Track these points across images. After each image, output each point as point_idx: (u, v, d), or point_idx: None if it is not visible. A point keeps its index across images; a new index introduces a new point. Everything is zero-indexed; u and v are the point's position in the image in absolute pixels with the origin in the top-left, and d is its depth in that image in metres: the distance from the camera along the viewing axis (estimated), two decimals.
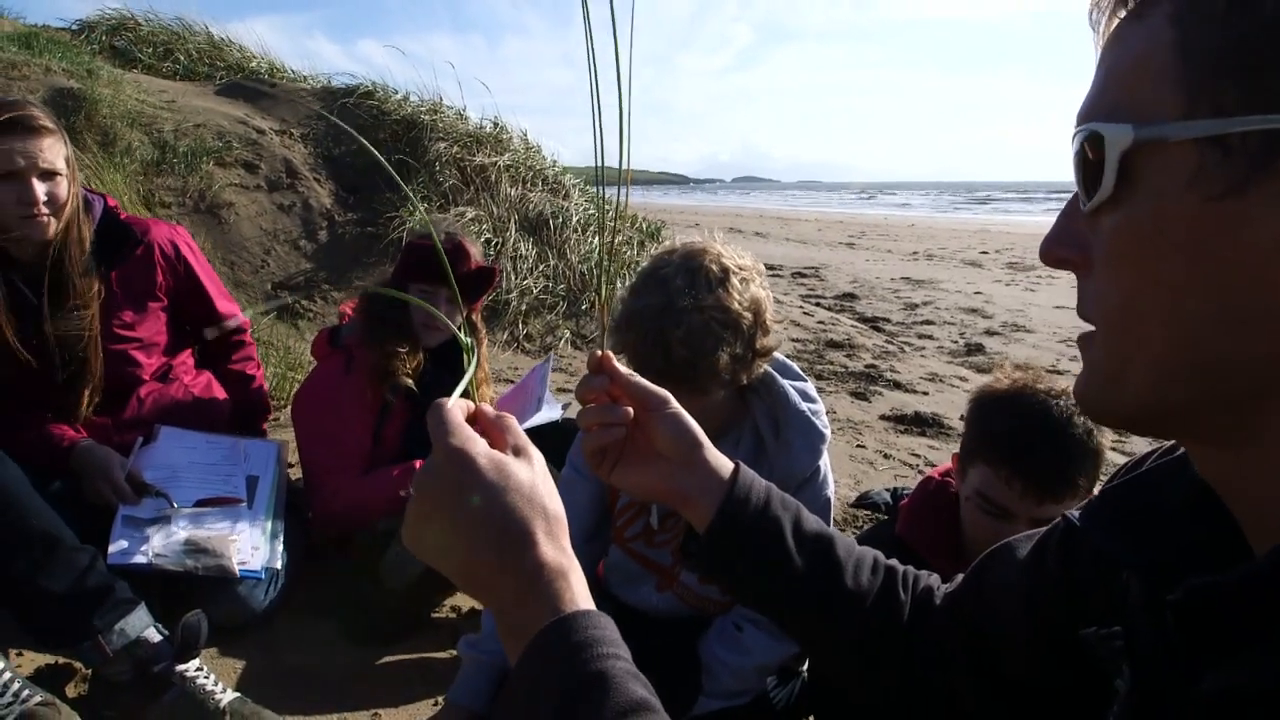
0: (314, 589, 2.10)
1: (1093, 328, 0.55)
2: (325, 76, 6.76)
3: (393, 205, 5.32)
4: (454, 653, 2.09)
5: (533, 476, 0.65)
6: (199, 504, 1.93)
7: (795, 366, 1.67)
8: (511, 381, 4.29)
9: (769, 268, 10.37)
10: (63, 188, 1.89)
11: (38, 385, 1.91)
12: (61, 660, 1.66)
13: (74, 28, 7.05)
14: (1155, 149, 0.48)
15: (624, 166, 0.81)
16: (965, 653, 0.87)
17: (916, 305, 8.25)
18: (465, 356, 0.76)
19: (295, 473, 2.39)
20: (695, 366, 1.37)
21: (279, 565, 1.94)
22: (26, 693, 1.42)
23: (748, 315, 1.41)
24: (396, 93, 6.17)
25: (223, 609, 1.81)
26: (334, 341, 2.18)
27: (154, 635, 1.60)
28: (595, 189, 6.92)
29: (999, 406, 1.46)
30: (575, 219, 5.84)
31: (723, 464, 0.90)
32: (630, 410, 0.88)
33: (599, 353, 0.88)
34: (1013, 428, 1.41)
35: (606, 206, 0.86)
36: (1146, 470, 0.68)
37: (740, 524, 0.88)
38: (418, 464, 2.12)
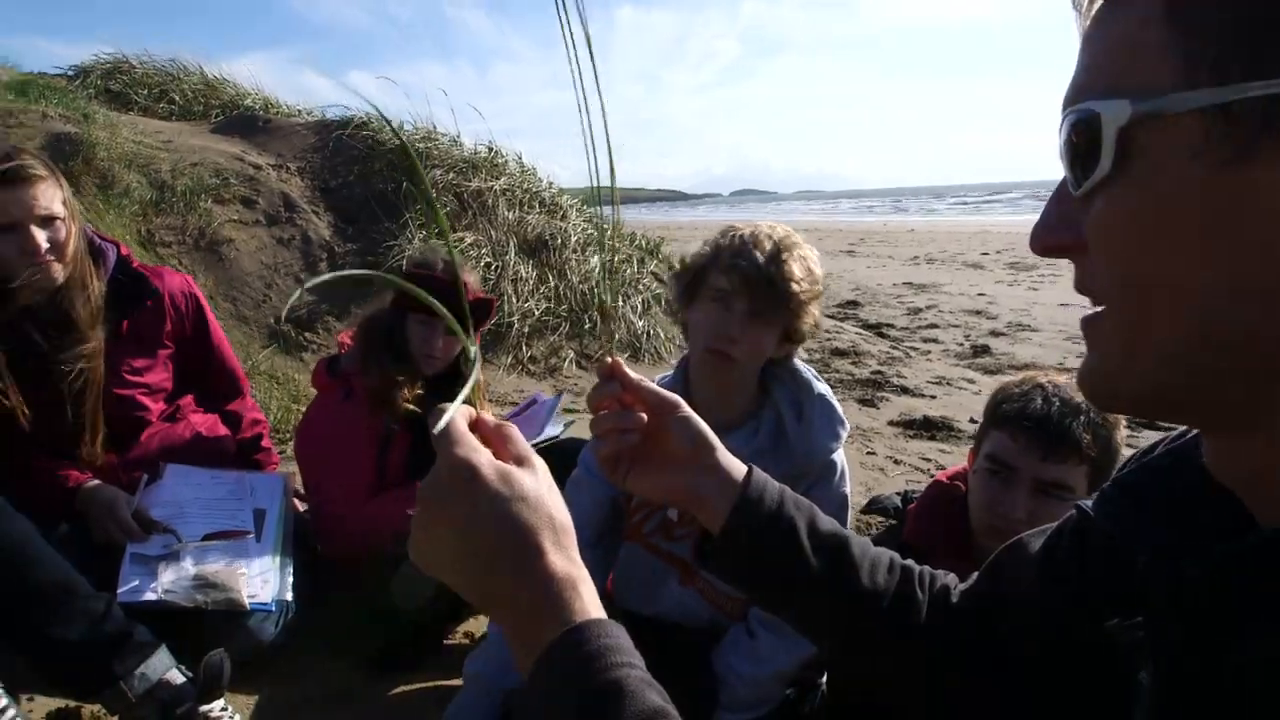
0: (324, 620, 2.09)
1: (1095, 309, 0.54)
2: (320, 110, 6.82)
3: (390, 235, 5.34)
4: None
5: (539, 486, 0.64)
6: (206, 538, 1.93)
7: (802, 355, 1.73)
8: (515, 404, 4.29)
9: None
10: (62, 231, 1.90)
11: (45, 429, 1.91)
12: (71, 704, 1.65)
13: (69, 74, 7.14)
14: (1155, 122, 0.47)
15: (613, 185, 0.81)
16: (984, 651, 0.86)
17: (920, 310, 8.24)
18: (464, 362, 0.75)
19: (301, 504, 2.38)
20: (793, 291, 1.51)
21: (289, 597, 1.94)
22: None
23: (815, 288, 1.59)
24: (391, 122, 6.21)
25: (233, 643, 1.80)
26: (333, 371, 2.18)
27: (177, 677, 1.59)
28: (592, 209, 6.95)
29: (1010, 386, 1.54)
30: (574, 239, 5.86)
31: (736, 466, 0.90)
32: (644, 415, 0.88)
33: (609, 359, 0.89)
34: (1020, 393, 1.49)
35: (604, 225, 0.86)
36: (1158, 455, 0.68)
37: (754, 525, 0.88)
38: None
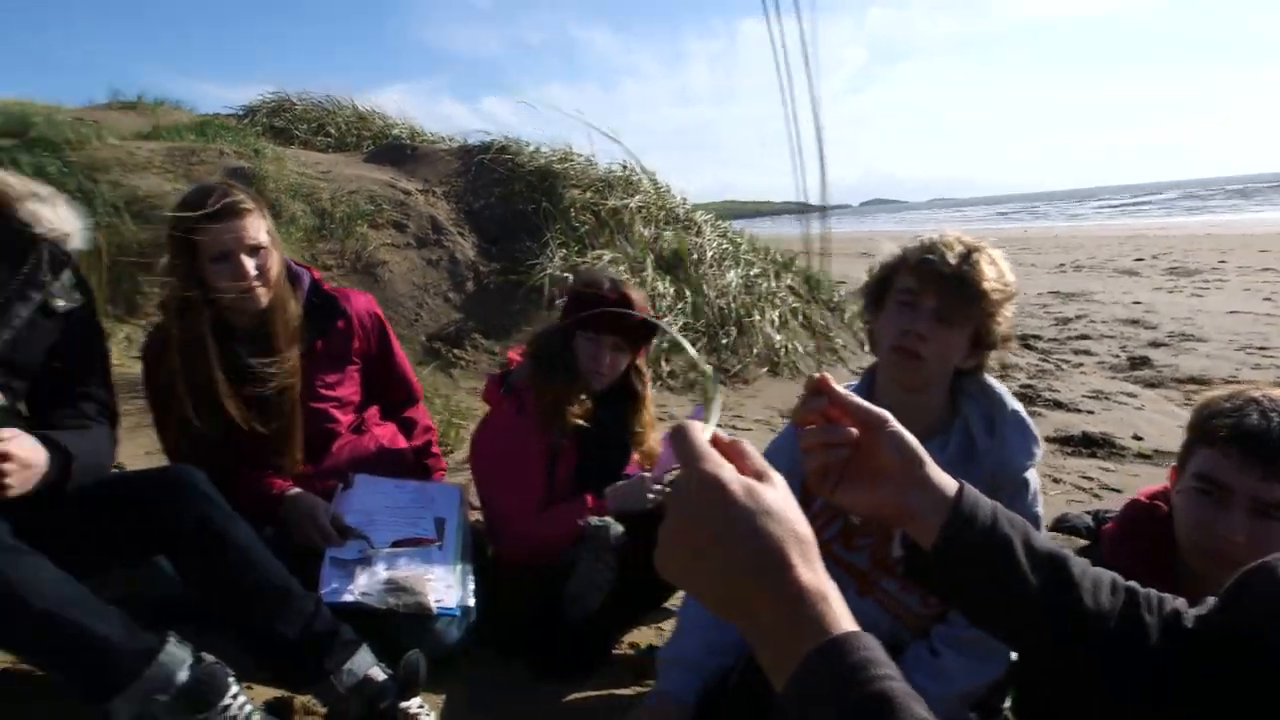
0: (498, 627, 2.17)
1: None
2: (461, 136, 7.13)
3: (532, 253, 5.52)
4: (638, 688, 2.11)
5: (782, 500, 0.66)
6: (395, 545, 2.05)
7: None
8: (661, 420, 4.33)
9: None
10: (268, 259, 2.07)
11: (251, 440, 2.07)
12: (285, 694, 1.78)
13: (239, 113, 7.73)
14: None
15: (823, 196, 0.82)
16: (1227, 679, 0.82)
17: (1069, 319, 7.84)
18: (708, 386, 0.78)
19: (475, 514, 2.49)
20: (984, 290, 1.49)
21: (471, 603, 2.02)
22: None
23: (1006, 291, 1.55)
24: (529, 145, 6.43)
25: (421, 645, 1.89)
26: (505, 387, 2.27)
27: (378, 674, 1.69)
28: (725, 223, 6.96)
29: (1219, 400, 1.44)
30: (710, 254, 5.89)
31: (946, 482, 0.90)
32: (854, 430, 0.89)
33: (816, 375, 0.90)
34: (1232, 408, 1.39)
35: (813, 237, 0.87)
36: None
37: (968, 542, 0.87)
38: (590, 500, 2.17)
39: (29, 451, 1.59)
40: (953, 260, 1.50)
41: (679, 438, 0.68)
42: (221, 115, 7.63)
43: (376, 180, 6.07)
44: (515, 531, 2.20)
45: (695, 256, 5.85)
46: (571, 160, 6.24)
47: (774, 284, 6.26)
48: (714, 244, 6.12)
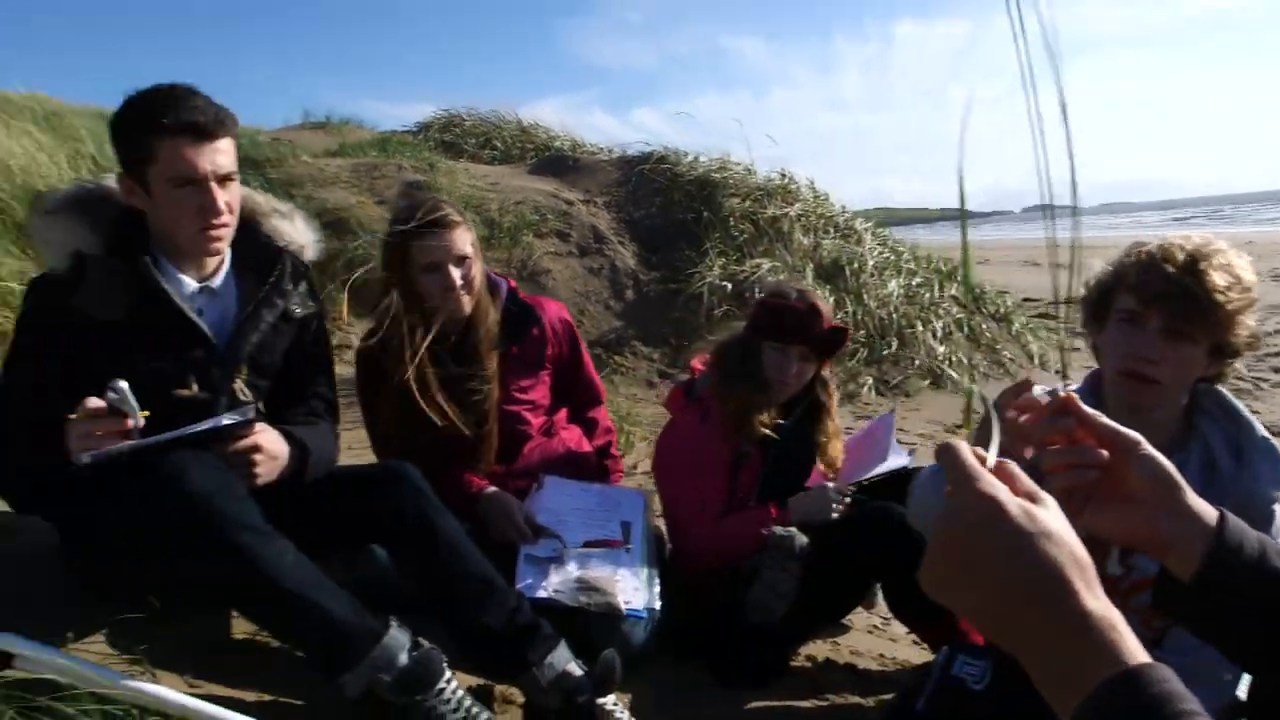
0: (678, 631, 2.20)
1: None
2: (620, 147, 7.29)
3: (691, 262, 5.58)
4: (816, 701, 2.10)
5: (1060, 522, 0.64)
6: (586, 545, 2.12)
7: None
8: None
9: (1074, 301, 9.52)
10: (474, 271, 2.19)
11: (452, 441, 2.20)
12: (486, 683, 1.87)
13: (414, 130, 8.21)
14: None
15: (1074, 200, 0.79)
16: None
17: (1269, 334, 7.18)
18: (969, 398, 0.77)
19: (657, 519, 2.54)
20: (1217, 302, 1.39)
21: (657, 605, 2.07)
22: (475, 709, 1.61)
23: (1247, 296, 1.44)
24: (687, 155, 6.50)
25: (610, 645, 1.95)
26: (689, 395, 2.31)
27: (575, 669, 1.75)
28: (884, 231, 6.79)
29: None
30: (870, 263, 5.77)
31: (1205, 509, 0.85)
32: (1104, 452, 0.86)
33: (1062, 394, 0.87)
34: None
35: (1058, 241, 0.84)
36: None
37: (1233, 573, 0.82)
38: (773, 509, 2.17)
39: (275, 444, 1.75)
40: (1176, 274, 1.39)
41: (948, 457, 0.67)
42: (398, 132, 8.13)
43: (541, 191, 6.30)
44: (696, 537, 2.23)
45: (855, 265, 5.75)
46: (730, 169, 6.27)
47: (937, 294, 6.06)
48: (875, 253, 6.00)
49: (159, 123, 1.67)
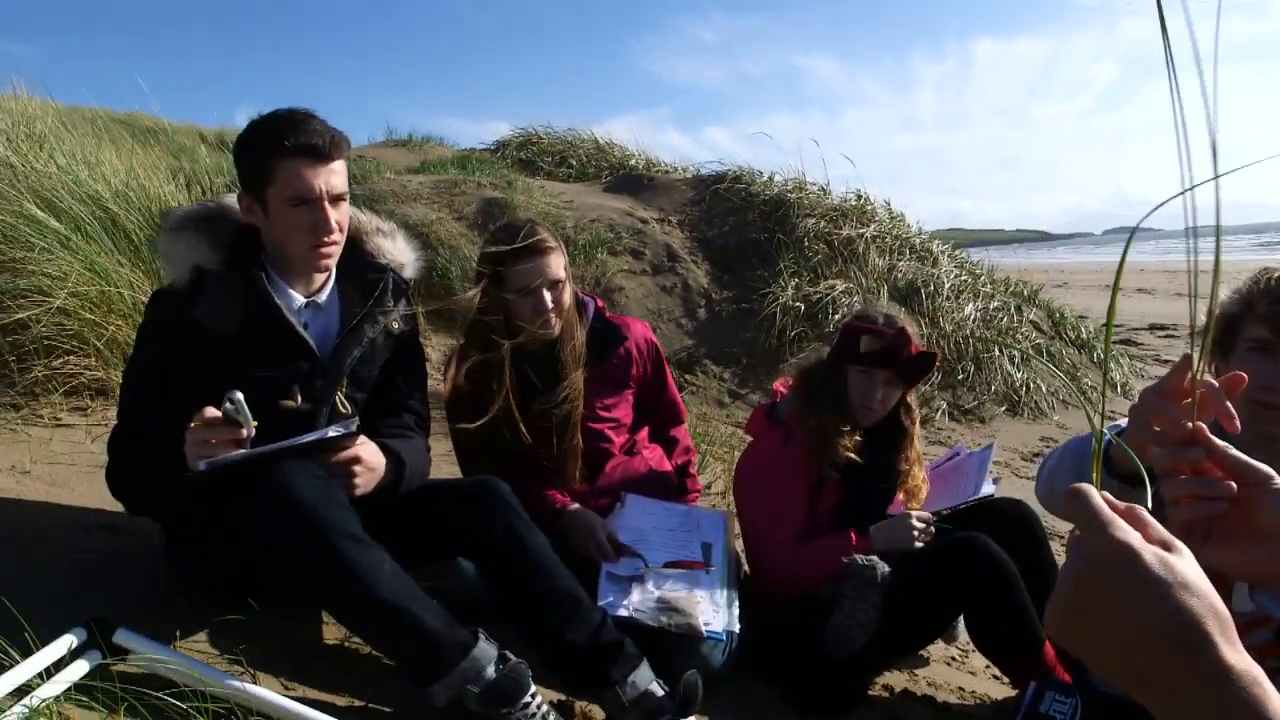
0: (755, 654, 2.20)
1: None
2: (696, 166, 7.33)
3: (764, 282, 5.57)
4: None
5: (1197, 572, 0.63)
6: (667, 565, 2.13)
7: None
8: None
9: (1159, 327, 9.18)
10: (564, 294, 2.24)
11: (535, 456, 2.24)
12: (565, 698, 1.90)
13: (492, 147, 8.38)
14: None
15: (1217, 221, 0.77)
16: None
17: None
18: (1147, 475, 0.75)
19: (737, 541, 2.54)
20: None
21: (736, 628, 2.07)
22: None
23: None
24: (762, 175, 6.50)
25: (689, 666, 1.95)
26: (771, 417, 2.31)
27: (657, 690, 1.77)
28: (960, 251, 6.68)
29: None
30: (947, 286, 5.68)
31: None
32: (1234, 485, 0.84)
33: (1190, 425, 0.86)
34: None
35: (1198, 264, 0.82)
36: None
37: None
38: (854, 536, 2.15)
39: (374, 457, 1.82)
40: None
41: (1078, 502, 0.67)
42: (477, 150, 8.31)
43: (615, 209, 6.36)
44: (774, 561, 2.23)
45: (931, 288, 5.67)
46: (805, 190, 6.24)
47: (1015, 319, 5.93)
48: (951, 275, 5.91)
49: (280, 145, 1.76)
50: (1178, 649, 0.59)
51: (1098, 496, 0.67)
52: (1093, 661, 0.64)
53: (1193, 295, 0.82)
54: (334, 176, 1.81)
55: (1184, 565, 0.63)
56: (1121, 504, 0.70)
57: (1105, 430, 0.84)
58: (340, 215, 1.84)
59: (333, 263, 1.90)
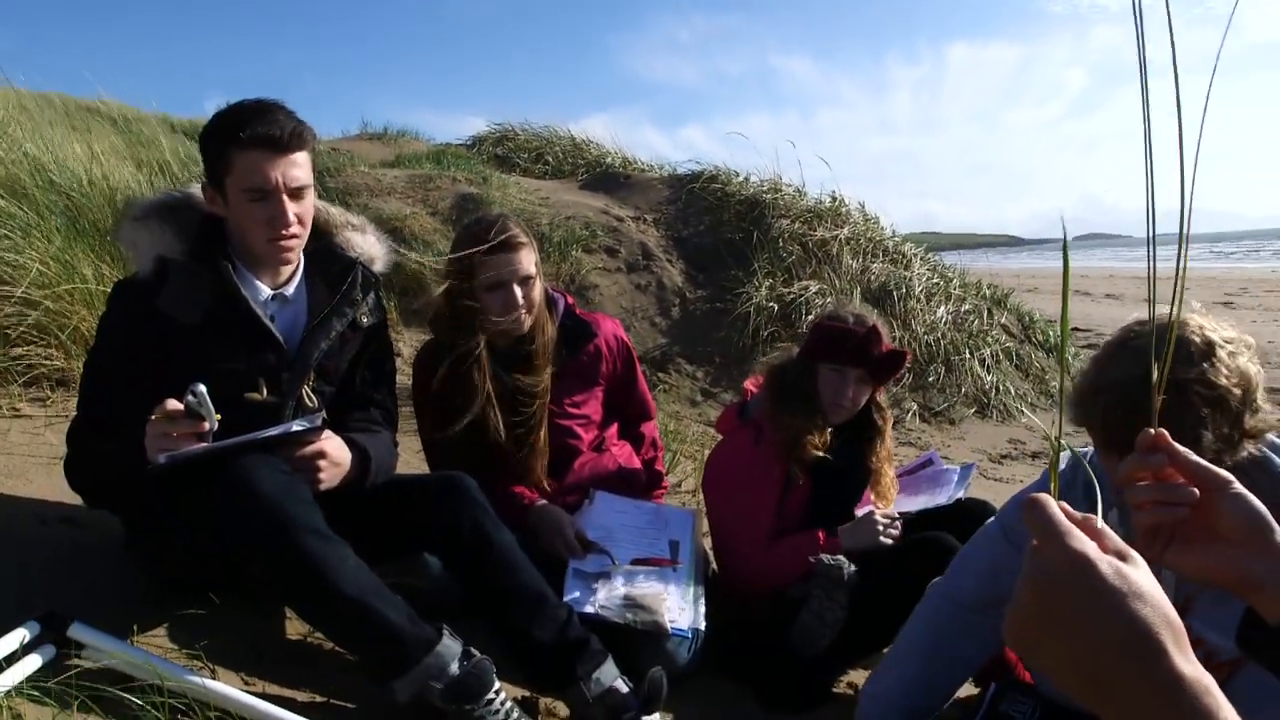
0: (721, 652, 2.20)
1: None
2: (672, 165, 7.33)
3: (739, 282, 5.58)
4: None
5: (1150, 582, 0.64)
6: (634, 562, 2.13)
7: None
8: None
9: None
10: (534, 290, 2.23)
11: (502, 453, 2.23)
12: (529, 694, 1.89)
13: (468, 143, 8.33)
14: None
15: (1183, 227, 0.78)
16: None
17: None
18: (1059, 460, 0.76)
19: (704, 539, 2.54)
20: None
21: (702, 626, 2.07)
22: None
23: (1236, 392, 1.33)
24: (738, 175, 6.52)
25: (654, 663, 1.96)
26: (742, 416, 2.32)
27: (622, 686, 1.76)
28: (933, 255, 6.74)
29: None
30: (919, 289, 5.73)
31: None
32: (1195, 490, 0.85)
33: (1152, 431, 0.86)
34: None
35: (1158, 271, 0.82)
36: None
37: None
38: (822, 536, 2.17)
39: (339, 451, 1.80)
40: None
41: (1035, 511, 0.67)
42: (453, 145, 8.25)
43: (591, 207, 6.34)
44: (743, 559, 2.23)
45: (904, 290, 5.71)
46: (780, 190, 6.26)
47: (986, 322, 5.99)
48: (923, 278, 5.95)
49: (237, 135, 1.73)
50: (1131, 658, 0.60)
51: (1054, 506, 0.67)
52: (1048, 671, 0.64)
53: (1152, 301, 0.83)
54: (294, 169, 1.77)
55: (1138, 575, 0.64)
56: (1078, 514, 0.70)
57: (1066, 445, 0.85)
58: (301, 209, 1.81)
59: (294, 256, 1.87)
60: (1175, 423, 1.29)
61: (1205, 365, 1.31)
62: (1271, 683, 0.87)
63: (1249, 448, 1.39)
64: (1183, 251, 0.79)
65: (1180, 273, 0.80)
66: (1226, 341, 1.35)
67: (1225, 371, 1.31)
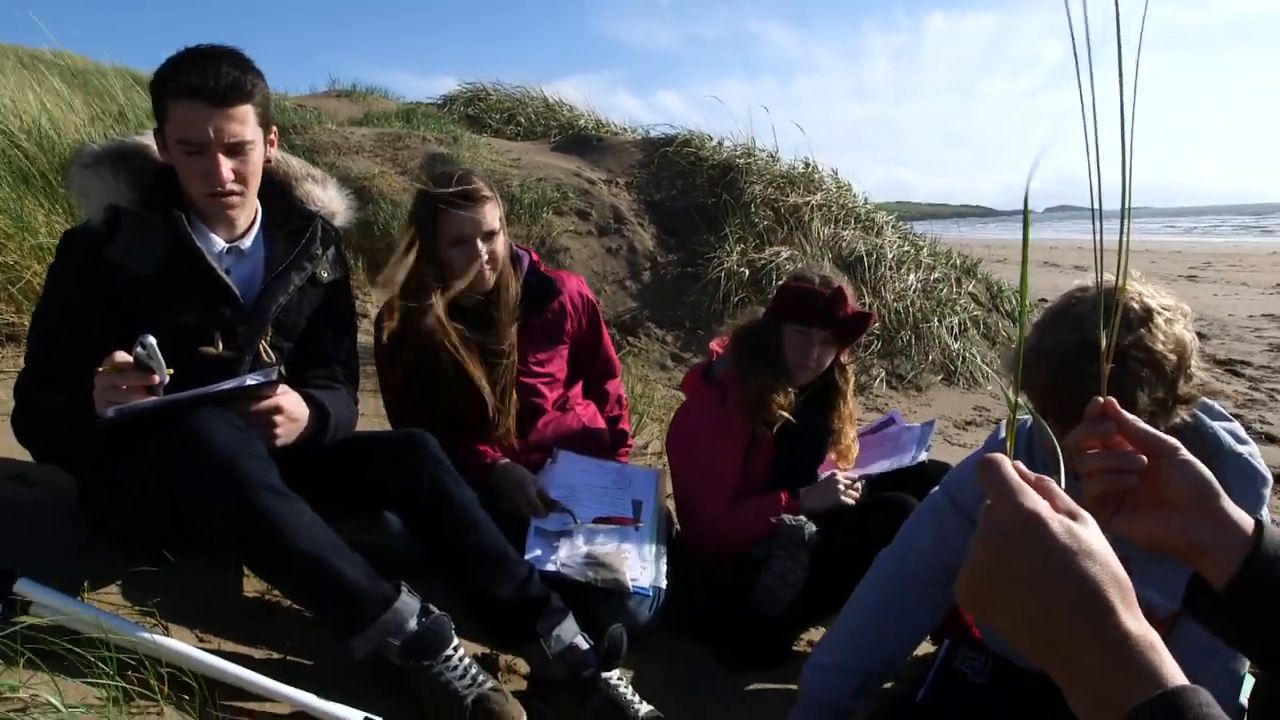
0: (683, 610, 2.22)
1: None
2: (645, 128, 7.25)
3: (710, 246, 5.55)
4: None
5: (1100, 541, 0.64)
6: (596, 521, 2.13)
7: (1219, 406, 1.53)
8: None
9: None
10: (499, 244, 2.19)
11: (469, 412, 2.21)
12: (491, 651, 1.89)
13: (439, 102, 8.18)
14: None
15: (1124, 202, 0.78)
16: None
17: None
18: (1013, 422, 0.76)
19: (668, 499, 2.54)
20: None
21: (663, 584, 2.08)
22: (481, 677, 1.63)
23: (1171, 358, 1.34)
24: (711, 139, 6.47)
25: (615, 621, 1.96)
26: (707, 376, 2.31)
27: (582, 643, 1.77)
28: (906, 224, 6.76)
29: None
30: (890, 256, 5.74)
31: (1242, 516, 0.85)
32: (1144, 458, 0.86)
33: (1101, 399, 0.87)
34: None
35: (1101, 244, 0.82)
36: None
37: (1271, 581, 0.82)
38: (784, 496, 2.18)
39: (296, 407, 1.77)
40: None
41: (989, 471, 0.67)
42: (424, 104, 8.11)
43: (563, 169, 6.27)
44: (707, 520, 2.24)
45: (874, 258, 5.72)
46: (754, 155, 6.23)
47: (954, 290, 6.03)
48: (894, 246, 5.96)
49: (166, 85, 1.67)
50: (1080, 616, 0.60)
51: (1009, 465, 0.67)
52: (1002, 630, 0.65)
53: (1099, 270, 0.82)
54: (231, 123, 1.68)
55: (1088, 534, 0.64)
56: (1032, 474, 0.70)
57: (1025, 405, 0.85)
58: (241, 165, 1.74)
59: (236, 213, 1.81)
60: (1112, 388, 1.31)
61: (1143, 331, 1.33)
62: (1208, 637, 0.89)
63: (1182, 413, 1.41)
64: (1125, 225, 0.78)
65: (1124, 245, 0.79)
66: (1164, 309, 1.36)
67: (1162, 338, 1.33)
